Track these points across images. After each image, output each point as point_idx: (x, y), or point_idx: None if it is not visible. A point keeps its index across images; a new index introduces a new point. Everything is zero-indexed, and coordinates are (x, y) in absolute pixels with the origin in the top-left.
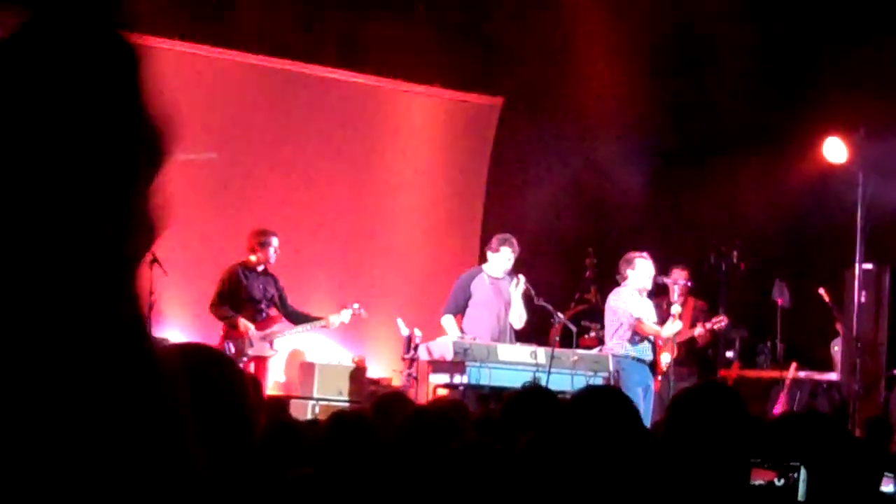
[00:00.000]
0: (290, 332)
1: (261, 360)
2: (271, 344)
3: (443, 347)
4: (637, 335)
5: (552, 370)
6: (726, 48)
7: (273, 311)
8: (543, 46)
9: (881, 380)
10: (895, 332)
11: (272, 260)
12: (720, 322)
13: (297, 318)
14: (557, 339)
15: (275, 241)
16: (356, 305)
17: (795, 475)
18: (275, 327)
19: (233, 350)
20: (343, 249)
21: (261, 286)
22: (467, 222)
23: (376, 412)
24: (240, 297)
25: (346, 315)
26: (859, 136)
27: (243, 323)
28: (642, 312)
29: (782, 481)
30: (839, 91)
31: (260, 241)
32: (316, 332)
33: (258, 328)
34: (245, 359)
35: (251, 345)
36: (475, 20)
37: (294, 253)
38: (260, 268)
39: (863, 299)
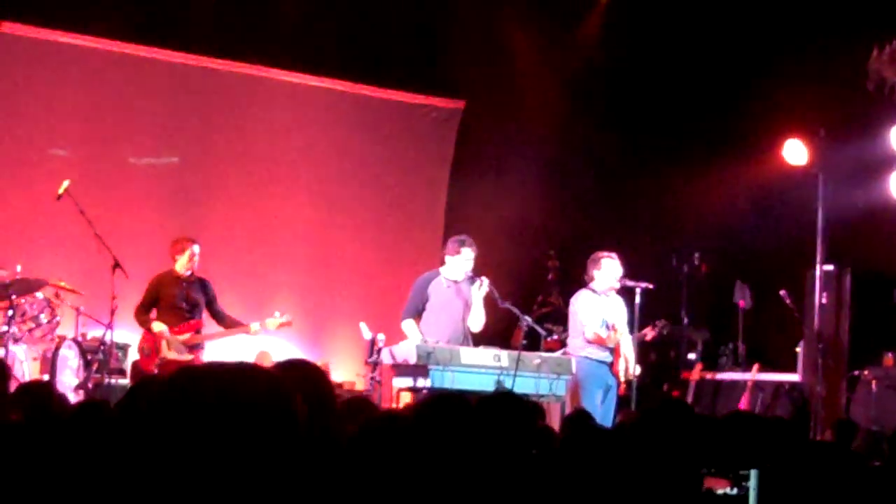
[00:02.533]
0: (211, 341)
1: (178, 364)
2: (191, 349)
3: (406, 351)
4: None
5: (516, 373)
6: (687, 50)
7: (197, 316)
8: (503, 49)
9: (843, 380)
10: (856, 332)
11: (191, 266)
12: (663, 326)
13: (224, 321)
14: (524, 342)
15: (194, 248)
16: (277, 313)
17: (747, 483)
18: (190, 333)
19: (144, 354)
20: (304, 253)
21: (183, 293)
22: (429, 225)
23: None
24: (163, 303)
25: (271, 324)
26: (819, 139)
27: (157, 326)
28: (596, 317)
29: (735, 490)
30: (799, 93)
31: (178, 248)
32: (277, 336)
33: (177, 332)
34: (159, 362)
35: (167, 348)
36: (433, 23)
37: (254, 257)
38: (186, 274)
39: (824, 300)
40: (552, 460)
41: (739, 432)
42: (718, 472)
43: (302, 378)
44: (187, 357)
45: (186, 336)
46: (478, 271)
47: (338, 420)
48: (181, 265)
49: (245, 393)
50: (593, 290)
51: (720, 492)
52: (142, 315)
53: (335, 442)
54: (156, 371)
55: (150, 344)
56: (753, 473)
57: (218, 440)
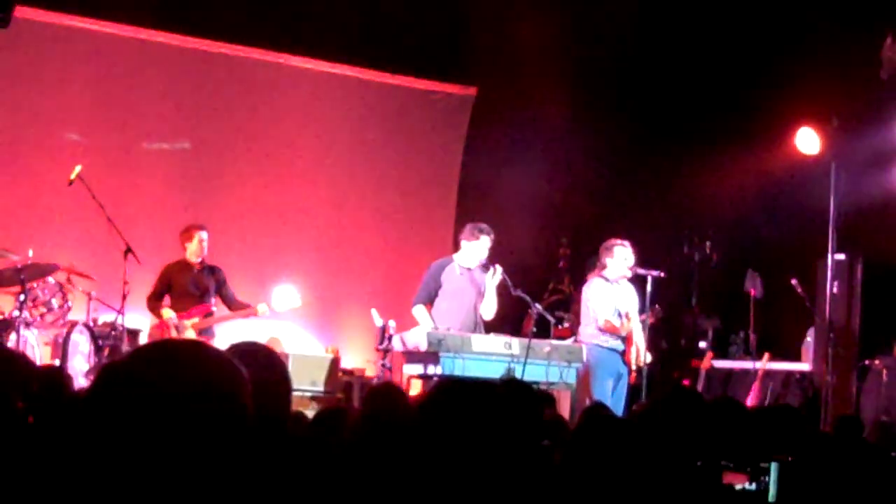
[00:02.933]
0: (219, 324)
1: None
2: (200, 333)
3: (417, 338)
4: None
5: (527, 361)
6: (700, 38)
7: (207, 301)
8: (517, 35)
9: (853, 370)
10: (867, 322)
11: (200, 253)
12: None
13: (233, 306)
14: (533, 329)
15: (201, 234)
16: (282, 293)
17: (766, 478)
18: (200, 317)
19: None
20: (316, 239)
21: (193, 279)
22: (441, 212)
23: (368, 405)
24: (175, 291)
25: (284, 303)
26: (832, 127)
27: (166, 313)
28: (608, 305)
29: (754, 485)
30: (812, 82)
31: (186, 236)
32: (289, 320)
33: (185, 316)
34: None
35: (177, 334)
36: (448, 8)
37: (266, 242)
38: (196, 261)
39: (835, 289)
40: (564, 451)
41: (753, 422)
42: (737, 466)
43: (253, 363)
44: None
45: (196, 320)
46: (490, 258)
47: (289, 406)
48: (191, 252)
49: (193, 376)
50: (605, 278)
51: (738, 487)
52: (152, 302)
53: (285, 429)
54: None
55: (161, 331)
56: (773, 467)
57: (159, 425)
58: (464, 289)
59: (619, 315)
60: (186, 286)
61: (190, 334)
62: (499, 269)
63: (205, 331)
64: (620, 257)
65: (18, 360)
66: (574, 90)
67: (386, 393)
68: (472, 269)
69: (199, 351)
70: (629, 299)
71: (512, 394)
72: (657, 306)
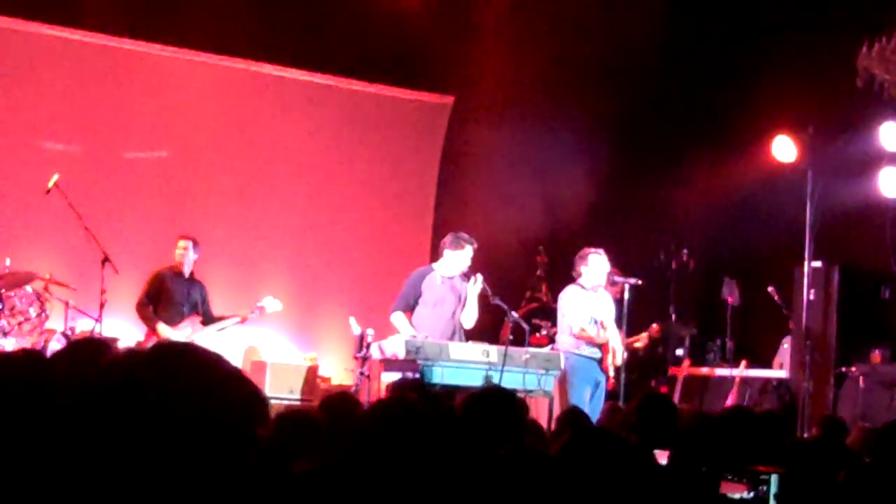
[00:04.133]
0: (204, 330)
1: None
2: None
3: (395, 346)
4: None
5: (504, 368)
6: (674, 46)
7: (192, 315)
8: (493, 43)
9: (830, 377)
10: (844, 329)
11: (187, 264)
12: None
13: (211, 322)
14: (511, 337)
15: (179, 244)
16: (270, 297)
17: (765, 488)
18: (191, 328)
19: None
20: (293, 248)
21: (185, 290)
22: (418, 221)
23: (324, 412)
24: (162, 298)
25: (269, 305)
26: (808, 135)
27: (161, 328)
28: (583, 314)
29: (752, 494)
30: (788, 90)
31: (177, 245)
32: (267, 328)
33: (176, 328)
34: None
35: None
36: (425, 17)
37: (244, 250)
38: (186, 272)
39: (812, 297)
40: (544, 458)
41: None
42: (735, 475)
43: (91, 357)
44: None
45: (188, 332)
46: (469, 267)
47: None
48: (178, 262)
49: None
50: (581, 286)
51: (737, 496)
52: (145, 309)
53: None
54: None
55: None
56: (773, 479)
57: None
58: (444, 297)
59: (595, 323)
60: (174, 295)
61: None
62: (479, 277)
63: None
64: (595, 266)
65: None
66: (551, 98)
67: (341, 400)
68: (452, 277)
69: (219, 359)
70: (605, 308)
71: (492, 401)
72: (655, 325)
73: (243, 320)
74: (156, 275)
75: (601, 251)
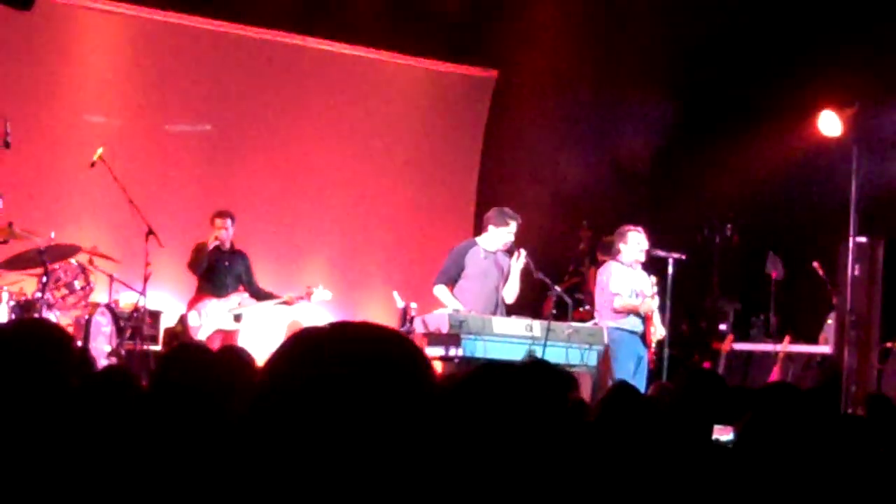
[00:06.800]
0: (253, 307)
1: (227, 334)
2: (236, 318)
3: (439, 320)
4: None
5: (547, 343)
6: (722, 22)
7: (238, 288)
8: (539, 18)
9: (874, 352)
10: (888, 304)
11: (225, 239)
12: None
13: (261, 296)
14: (553, 311)
15: (225, 223)
16: (321, 286)
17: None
18: (235, 300)
19: (188, 322)
20: (337, 223)
21: (225, 262)
22: (462, 195)
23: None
24: (207, 270)
25: (316, 296)
26: (853, 110)
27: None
28: (625, 288)
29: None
30: (833, 65)
31: (213, 220)
32: (310, 304)
33: (225, 298)
34: (211, 331)
35: (216, 316)
36: None
37: (287, 225)
38: (226, 244)
39: (856, 272)
40: (588, 433)
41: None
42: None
43: (44, 339)
44: (234, 327)
45: (235, 304)
46: (512, 242)
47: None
48: (216, 235)
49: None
50: (620, 262)
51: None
52: (196, 265)
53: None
54: (203, 339)
55: (198, 311)
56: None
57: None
58: (488, 272)
59: (637, 295)
60: (216, 266)
61: (226, 318)
62: (523, 252)
63: (238, 315)
64: (634, 242)
65: (71, 339)
66: (596, 73)
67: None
68: (495, 252)
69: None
70: (644, 284)
71: (537, 375)
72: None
73: (290, 302)
74: (198, 246)
75: (640, 228)
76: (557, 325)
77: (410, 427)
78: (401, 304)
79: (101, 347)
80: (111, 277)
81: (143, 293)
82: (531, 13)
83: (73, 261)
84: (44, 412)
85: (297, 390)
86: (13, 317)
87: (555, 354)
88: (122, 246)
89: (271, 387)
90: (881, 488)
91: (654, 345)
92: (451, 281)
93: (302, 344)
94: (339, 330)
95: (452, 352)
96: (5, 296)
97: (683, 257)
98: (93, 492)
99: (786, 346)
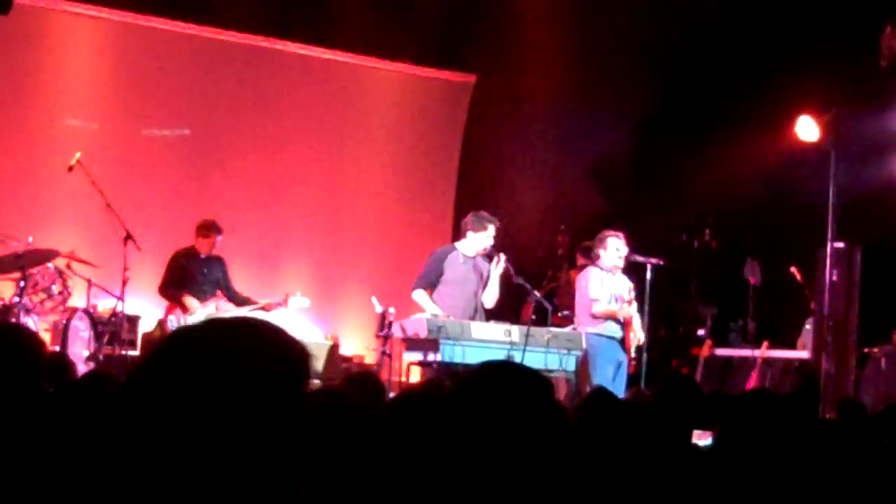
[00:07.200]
0: (233, 312)
1: None
2: None
3: (417, 325)
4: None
5: (526, 348)
6: (701, 29)
7: (217, 293)
8: (517, 23)
9: (852, 358)
10: (866, 310)
11: (212, 251)
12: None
13: (240, 302)
14: (533, 317)
15: (215, 238)
16: (298, 293)
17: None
18: (215, 305)
19: (176, 323)
20: (316, 227)
21: (203, 269)
22: (440, 200)
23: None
24: (184, 280)
25: (293, 303)
26: (831, 116)
27: (188, 300)
28: (604, 293)
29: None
30: (811, 71)
31: (202, 233)
32: (287, 310)
33: (204, 305)
34: None
35: (194, 321)
36: None
37: (265, 229)
38: (203, 253)
39: (834, 278)
40: (568, 437)
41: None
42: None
43: (13, 345)
44: None
45: (213, 310)
46: (492, 246)
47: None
48: (200, 246)
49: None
50: (599, 268)
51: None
52: (167, 291)
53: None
54: None
55: (177, 316)
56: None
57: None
58: (467, 277)
59: (616, 301)
60: (194, 275)
61: None
62: (502, 257)
63: None
64: (613, 248)
65: (42, 344)
66: (574, 78)
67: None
68: (474, 257)
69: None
70: (623, 289)
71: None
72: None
73: (268, 308)
74: (173, 257)
75: (619, 234)
76: (536, 330)
77: (263, 413)
78: (379, 308)
79: (80, 352)
80: (89, 282)
81: (121, 298)
82: (510, 18)
83: (50, 265)
84: (14, 417)
85: (160, 380)
86: None
87: (534, 359)
88: (100, 251)
89: (140, 375)
90: (854, 493)
91: (633, 350)
92: (430, 286)
93: (170, 339)
94: (209, 325)
95: (431, 357)
96: None
97: (662, 262)
98: (69, 495)
99: (764, 352)
